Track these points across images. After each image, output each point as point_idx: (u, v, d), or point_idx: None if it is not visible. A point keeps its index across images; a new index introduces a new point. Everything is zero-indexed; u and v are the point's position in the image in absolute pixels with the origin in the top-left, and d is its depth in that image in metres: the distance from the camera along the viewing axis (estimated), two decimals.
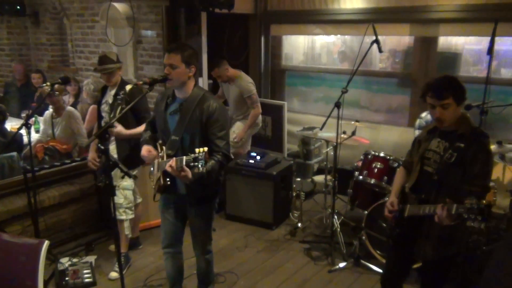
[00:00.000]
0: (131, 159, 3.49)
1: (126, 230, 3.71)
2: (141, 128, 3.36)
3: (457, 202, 2.25)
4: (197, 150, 2.35)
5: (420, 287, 2.66)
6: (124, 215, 3.66)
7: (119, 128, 3.42)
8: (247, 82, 4.81)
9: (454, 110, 2.33)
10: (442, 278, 2.48)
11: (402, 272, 2.72)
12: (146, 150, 2.79)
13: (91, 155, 3.79)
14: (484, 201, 2.06)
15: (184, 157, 2.41)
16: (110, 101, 3.57)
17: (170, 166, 2.48)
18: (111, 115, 3.42)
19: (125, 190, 3.63)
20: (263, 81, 6.03)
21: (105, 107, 3.65)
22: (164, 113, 2.78)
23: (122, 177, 3.53)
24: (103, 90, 3.74)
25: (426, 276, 2.57)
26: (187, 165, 2.39)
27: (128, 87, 3.43)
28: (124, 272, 3.63)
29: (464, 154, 2.30)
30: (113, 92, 3.58)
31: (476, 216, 2.06)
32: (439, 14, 4.55)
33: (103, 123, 3.67)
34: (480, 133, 2.36)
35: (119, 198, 3.59)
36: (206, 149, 2.36)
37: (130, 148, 3.55)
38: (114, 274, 3.63)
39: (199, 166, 2.33)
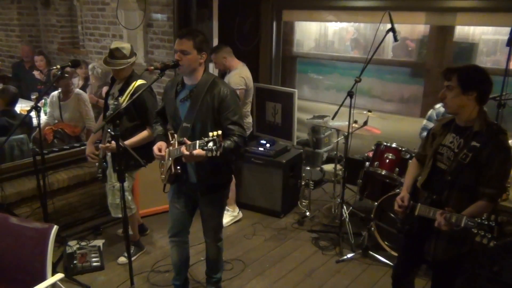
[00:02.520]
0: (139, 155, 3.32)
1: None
2: (143, 134, 3.29)
3: (470, 202, 2.22)
4: (210, 134, 2.31)
5: (432, 284, 2.61)
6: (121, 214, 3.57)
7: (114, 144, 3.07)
8: (239, 75, 4.19)
9: (457, 96, 2.22)
10: (454, 275, 2.44)
11: (413, 266, 2.68)
12: (157, 148, 2.73)
13: (89, 148, 3.63)
14: (498, 219, 2.00)
15: (198, 142, 2.37)
16: (116, 95, 3.39)
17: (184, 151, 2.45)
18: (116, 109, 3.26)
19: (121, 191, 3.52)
20: (273, 67, 5.95)
21: (110, 100, 3.47)
22: (174, 100, 2.74)
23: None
24: (113, 80, 3.57)
25: (437, 273, 2.52)
26: (201, 149, 2.35)
27: (135, 84, 3.30)
28: (134, 258, 3.66)
29: (480, 154, 2.19)
30: (119, 86, 3.41)
31: (485, 233, 2.00)
32: (456, 3, 4.44)
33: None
34: (497, 130, 2.24)
35: (115, 199, 3.50)
36: (220, 132, 2.33)
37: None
38: (122, 259, 3.64)
39: (213, 149, 2.29)
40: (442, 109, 3.84)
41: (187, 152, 2.45)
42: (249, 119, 4.40)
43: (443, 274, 2.45)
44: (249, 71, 4.35)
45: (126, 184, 3.47)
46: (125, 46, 3.40)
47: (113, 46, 3.35)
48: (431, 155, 2.46)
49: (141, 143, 3.31)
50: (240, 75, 4.20)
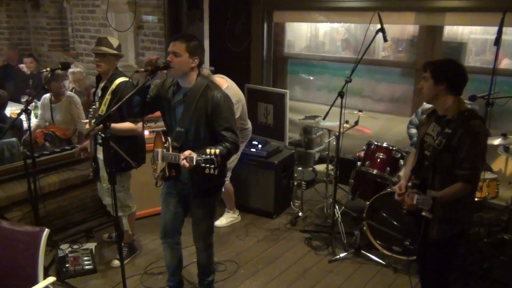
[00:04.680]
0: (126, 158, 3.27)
1: (125, 226, 3.62)
2: (127, 125, 3.22)
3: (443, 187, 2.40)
4: (208, 150, 2.34)
5: (427, 266, 2.65)
6: (121, 212, 3.53)
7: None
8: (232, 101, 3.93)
9: (431, 86, 2.41)
10: (448, 257, 2.52)
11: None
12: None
13: (86, 144, 3.59)
14: (438, 194, 2.28)
15: (195, 157, 2.37)
16: (99, 94, 3.34)
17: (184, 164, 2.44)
18: (99, 110, 3.23)
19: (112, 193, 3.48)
20: (265, 68, 5.96)
21: (96, 99, 3.43)
22: (171, 100, 2.74)
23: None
24: (98, 80, 3.49)
25: (432, 255, 2.58)
26: (198, 165, 2.36)
27: (117, 82, 3.25)
28: (127, 261, 3.65)
29: (452, 139, 2.34)
30: (102, 84, 3.34)
31: (428, 208, 2.28)
32: (445, 3, 4.48)
33: (89, 116, 3.41)
34: (469, 116, 2.36)
35: (110, 200, 3.43)
36: (218, 151, 2.36)
37: (123, 148, 3.29)
38: (116, 262, 3.62)
39: (212, 167, 2.33)
40: (427, 105, 3.88)
41: (187, 164, 2.43)
42: (248, 124, 4.34)
43: (437, 256, 2.54)
44: (234, 83, 4.10)
45: (122, 184, 3.49)
46: (114, 39, 3.40)
47: (102, 36, 3.40)
48: (419, 144, 2.62)
49: (125, 132, 3.23)
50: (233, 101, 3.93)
